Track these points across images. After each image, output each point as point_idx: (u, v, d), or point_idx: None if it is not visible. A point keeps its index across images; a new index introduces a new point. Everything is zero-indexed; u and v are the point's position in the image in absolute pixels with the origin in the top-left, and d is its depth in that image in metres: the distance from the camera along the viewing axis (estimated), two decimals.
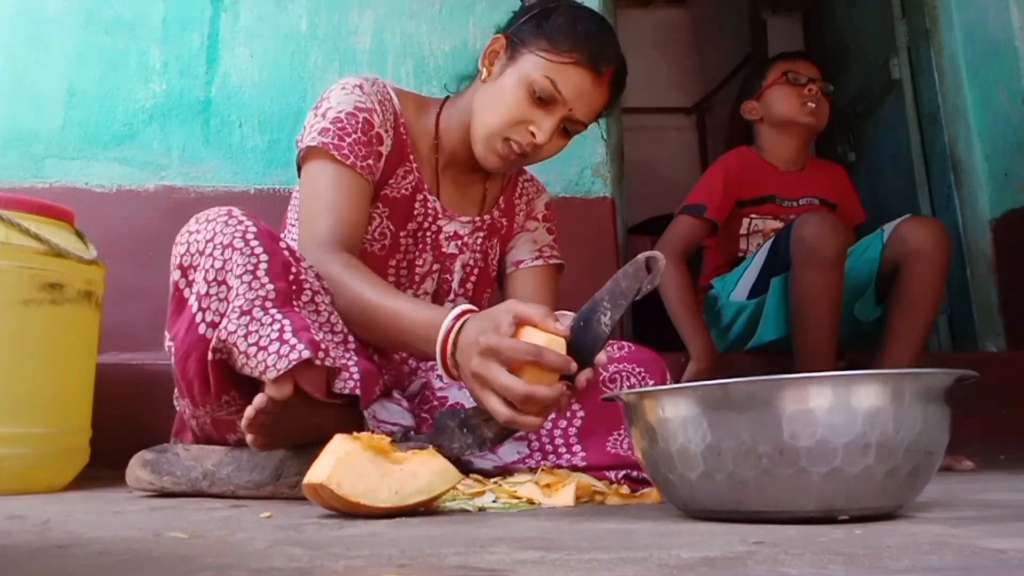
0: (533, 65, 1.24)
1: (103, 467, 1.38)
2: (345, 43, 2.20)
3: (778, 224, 2.12)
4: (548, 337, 0.93)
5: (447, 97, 1.42)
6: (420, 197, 1.36)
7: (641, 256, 0.93)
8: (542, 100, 1.23)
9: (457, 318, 1.00)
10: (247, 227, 1.08)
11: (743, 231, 2.15)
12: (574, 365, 0.92)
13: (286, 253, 1.09)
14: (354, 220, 1.24)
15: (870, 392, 0.75)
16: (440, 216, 1.38)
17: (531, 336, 0.93)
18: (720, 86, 4.85)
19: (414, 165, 1.35)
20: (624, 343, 1.30)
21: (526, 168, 1.52)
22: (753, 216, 2.15)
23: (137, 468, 1.16)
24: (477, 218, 1.42)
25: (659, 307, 2.09)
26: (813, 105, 2.14)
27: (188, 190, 2.05)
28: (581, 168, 2.22)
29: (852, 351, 1.99)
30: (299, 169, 1.32)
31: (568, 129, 1.29)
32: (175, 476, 1.14)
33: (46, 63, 2.06)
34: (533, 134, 1.25)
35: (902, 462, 0.76)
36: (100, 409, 1.44)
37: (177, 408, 1.25)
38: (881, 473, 0.75)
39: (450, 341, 0.99)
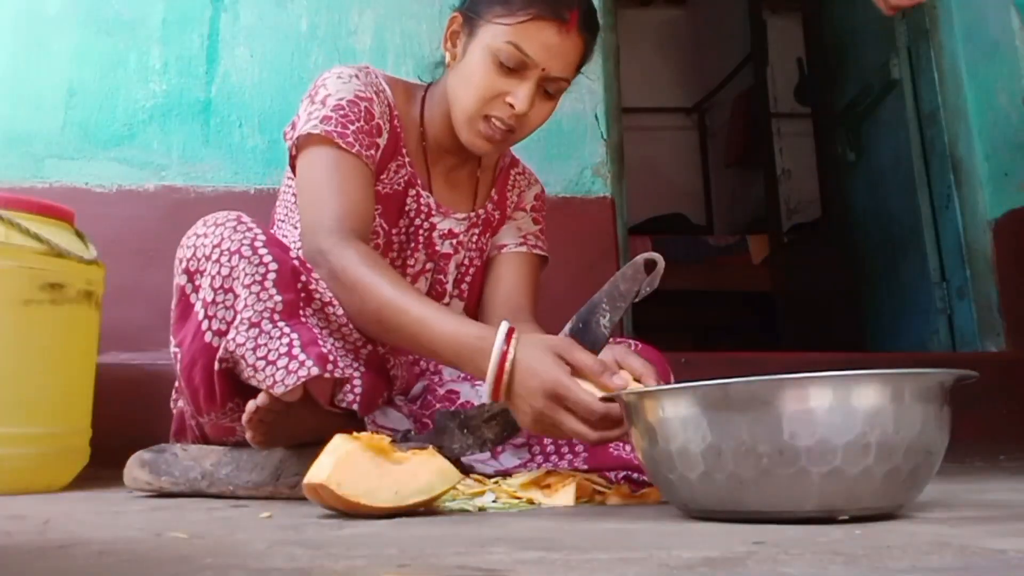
0: (493, 34, 1.15)
1: (103, 467, 1.38)
2: (345, 43, 2.20)
3: None
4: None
5: (428, 85, 1.34)
6: (412, 192, 1.29)
7: (639, 257, 0.93)
8: (512, 68, 1.15)
9: (507, 341, 0.96)
10: (256, 235, 1.06)
11: None
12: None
13: (295, 263, 1.08)
14: (365, 207, 1.17)
15: (870, 392, 0.75)
16: (434, 212, 1.31)
17: (586, 384, 0.95)
18: (720, 86, 4.85)
19: (406, 159, 1.28)
20: (630, 341, 1.28)
21: (519, 160, 1.46)
22: None
23: (135, 468, 1.16)
24: (472, 213, 1.36)
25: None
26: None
27: (188, 190, 2.05)
28: (581, 168, 2.22)
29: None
30: (291, 160, 1.25)
31: (550, 91, 1.19)
32: (173, 476, 1.14)
33: (46, 63, 2.06)
34: (512, 105, 1.15)
35: (902, 462, 0.76)
36: (100, 409, 1.43)
37: (174, 410, 1.25)
38: (881, 473, 0.75)
39: (506, 371, 0.96)
